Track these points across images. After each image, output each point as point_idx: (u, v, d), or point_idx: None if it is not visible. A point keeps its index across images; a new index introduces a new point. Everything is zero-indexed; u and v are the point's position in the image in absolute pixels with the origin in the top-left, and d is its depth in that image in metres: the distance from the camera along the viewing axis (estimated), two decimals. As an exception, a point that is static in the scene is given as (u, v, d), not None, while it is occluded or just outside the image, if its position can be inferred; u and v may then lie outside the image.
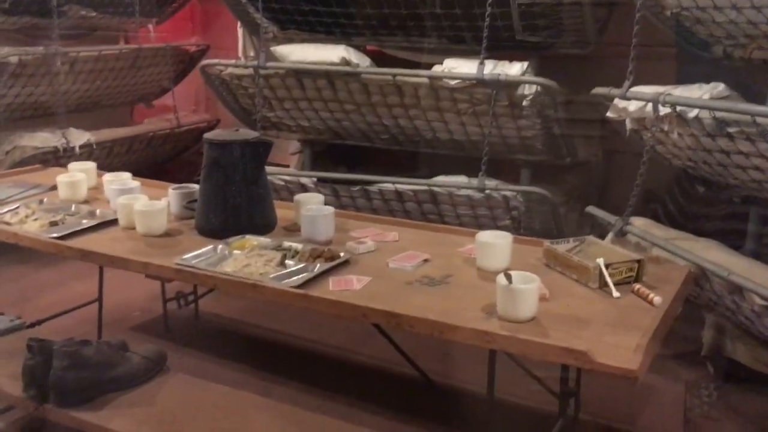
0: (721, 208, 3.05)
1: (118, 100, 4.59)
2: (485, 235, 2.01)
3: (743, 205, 2.79)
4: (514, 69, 3.04)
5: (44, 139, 3.85)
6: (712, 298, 2.45)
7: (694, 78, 2.54)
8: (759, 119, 2.10)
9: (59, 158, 3.70)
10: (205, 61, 3.73)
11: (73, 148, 3.82)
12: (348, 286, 1.87)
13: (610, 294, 1.81)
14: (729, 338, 2.74)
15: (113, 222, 2.35)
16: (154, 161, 4.66)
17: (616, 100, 2.68)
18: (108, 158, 4.09)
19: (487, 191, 3.19)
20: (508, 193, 3.18)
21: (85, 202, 2.59)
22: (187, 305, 3.22)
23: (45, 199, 2.60)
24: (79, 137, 3.90)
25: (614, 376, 1.48)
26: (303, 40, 3.71)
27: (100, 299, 2.99)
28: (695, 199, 3.08)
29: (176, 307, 3.20)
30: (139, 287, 3.33)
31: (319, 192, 3.30)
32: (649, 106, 2.50)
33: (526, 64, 3.05)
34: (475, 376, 2.22)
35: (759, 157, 2.23)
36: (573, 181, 3.60)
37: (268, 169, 2.36)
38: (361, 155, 4.02)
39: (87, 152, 3.90)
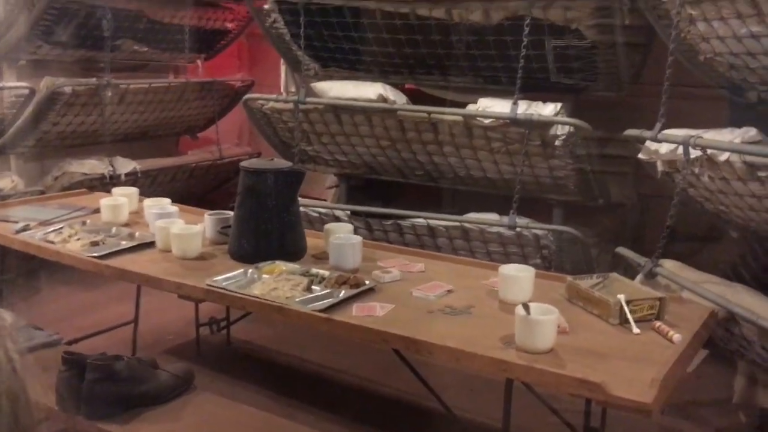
0: (755, 255, 3.02)
1: (165, 131, 4.77)
2: (508, 268, 2.04)
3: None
4: (547, 109, 3.08)
5: (92, 166, 4.01)
6: (742, 344, 2.42)
7: (734, 122, 2.56)
8: (789, 163, 2.11)
9: (105, 185, 3.85)
10: (248, 95, 3.86)
11: (119, 176, 3.97)
12: (371, 312, 1.91)
13: (630, 330, 1.81)
14: (762, 387, 2.69)
15: (151, 244, 2.44)
16: (196, 191, 4.80)
17: (648, 142, 2.70)
18: (152, 186, 4.23)
19: (518, 229, 3.21)
20: (539, 232, 3.20)
21: (126, 225, 2.69)
22: (220, 330, 3.29)
23: (88, 221, 2.72)
24: (125, 165, 4.05)
25: (629, 408, 1.49)
26: (342, 78, 3.83)
27: (135, 321, 3.08)
28: (729, 244, 3.06)
29: (209, 333, 3.27)
30: (173, 312, 3.42)
31: (353, 225, 3.37)
32: (680, 148, 2.52)
33: (559, 105, 3.10)
34: (496, 410, 2.23)
35: (790, 202, 2.22)
36: (606, 222, 3.60)
37: (304, 201, 2.43)
38: (395, 191, 4.09)
39: (132, 180, 4.05)
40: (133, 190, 2.95)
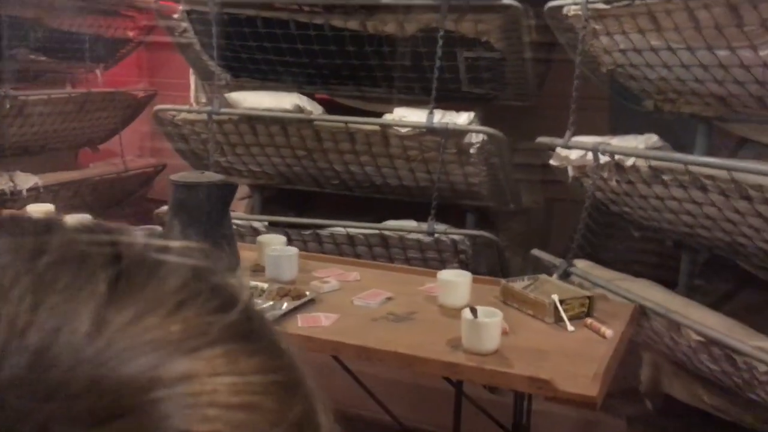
0: (655, 251, 3.26)
1: (65, 143, 4.56)
2: (447, 274, 2.12)
3: (675, 248, 2.99)
4: (461, 118, 3.19)
5: (-10, 182, 3.78)
6: (651, 336, 2.61)
7: (627, 129, 2.76)
8: (691, 168, 2.30)
9: (5, 201, 3.64)
10: (158, 106, 3.77)
11: (20, 192, 3.77)
12: (317, 323, 1.93)
13: (565, 328, 1.93)
14: (666, 375, 2.90)
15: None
16: (100, 205, 4.61)
17: (558, 149, 2.86)
18: (54, 202, 4.02)
19: (436, 235, 3.30)
20: (456, 237, 3.30)
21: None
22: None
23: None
24: (26, 180, 3.85)
25: (575, 403, 1.59)
26: (255, 88, 3.80)
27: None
28: (632, 243, 3.28)
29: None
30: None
31: (272, 236, 3.35)
32: (590, 154, 2.68)
33: (472, 114, 3.22)
34: (429, 415, 2.30)
35: (691, 203, 2.42)
36: (516, 226, 3.76)
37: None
38: (310, 200, 4.10)
39: (34, 196, 3.85)
40: (49, 207, 2.83)
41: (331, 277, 2.29)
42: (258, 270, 2.35)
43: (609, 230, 3.41)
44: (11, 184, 3.74)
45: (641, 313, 2.41)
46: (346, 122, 3.34)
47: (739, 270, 2.82)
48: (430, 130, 3.17)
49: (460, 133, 3.16)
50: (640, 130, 2.70)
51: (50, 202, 3.96)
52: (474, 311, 1.76)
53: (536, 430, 2.36)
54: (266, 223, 3.66)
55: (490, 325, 1.74)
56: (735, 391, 2.41)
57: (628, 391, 3.08)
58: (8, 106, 3.68)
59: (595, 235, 3.37)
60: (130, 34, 4.64)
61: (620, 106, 3.17)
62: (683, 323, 2.32)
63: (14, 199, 3.69)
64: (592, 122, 2.95)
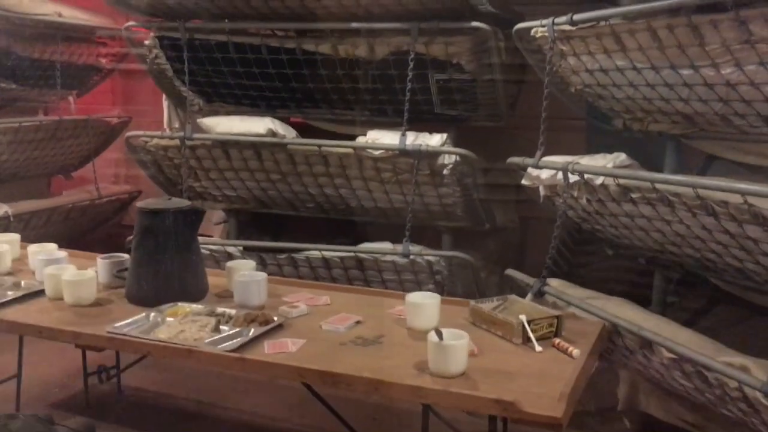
0: (628, 269, 3.26)
1: (37, 171, 4.52)
2: (414, 296, 2.10)
3: (648, 266, 3.00)
4: (434, 140, 3.20)
5: (-41, 211, 3.74)
6: (625, 354, 2.60)
7: (602, 148, 2.77)
8: (658, 185, 2.31)
9: (-25, 230, 3.60)
10: (130, 133, 3.75)
11: (-11, 220, 3.73)
12: (283, 349, 1.91)
13: (533, 348, 1.92)
14: (643, 393, 2.89)
15: (40, 293, 2.32)
16: (73, 233, 4.56)
17: (530, 169, 2.87)
18: (25, 230, 3.99)
19: (412, 257, 3.29)
20: (431, 258, 3.30)
21: (9, 273, 2.54)
22: (109, 379, 3.14)
23: (-34, 271, 2.55)
24: (-4, 209, 3.81)
25: (541, 424, 1.57)
26: (228, 113, 3.80)
27: (18, 375, 2.89)
28: (605, 261, 3.28)
29: (97, 382, 3.11)
30: (58, 363, 3.24)
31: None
32: (560, 174, 2.69)
33: (445, 135, 3.22)
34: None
35: (660, 221, 2.43)
36: (492, 246, 3.76)
37: (197, 238, 2.39)
38: (286, 224, 4.08)
39: (4, 224, 3.81)
40: (15, 236, 2.79)
41: (300, 301, 2.27)
42: (226, 296, 2.33)
43: (586, 248, 3.43)
44: (-20, 213, 3.70)
45: (614, 331, 2.40)
46: (319, 145, 3.33)
47: (713, 286, 2.82)
48: (403, 152, 3.18)
49: (433, 154, 3.16)
50: (615, 150, 2.71)
51: (21, 231, 3.92)
52: (440, 334, 1.75)
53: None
54: (241, 248, 3.64)
55: (455, 347, 1.73)
56: (710, 408, 2.40)
57: (606, 410, 3.07)
58: (-23, 134, 3.65)
59: (573, 253, 3.38)
60: (103, 61, 4.62)
61: (596, 126, 3.19)
62: (655, 341, 2.32)
63: (-17, 228, 3.65)
64: (568, 142, 2.97)
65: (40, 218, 4.18)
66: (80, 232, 4.68)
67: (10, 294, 2.28)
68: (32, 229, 4.08)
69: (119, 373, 3.16)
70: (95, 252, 2.66)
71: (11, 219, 3.89)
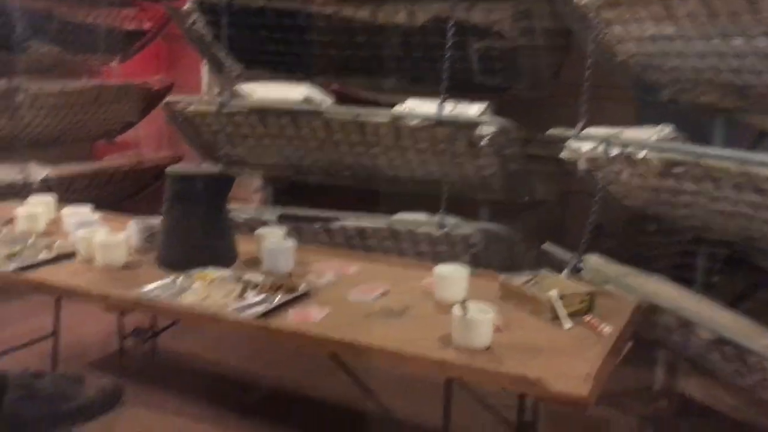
0: (671, 247, 3.16)
1: (80, 135, 4.58)
2: (443, 268, 2.06)
3: (692, 244, 2.90)
4: (472, 110, 3.13)
5: (3, 173, 3.81)
6: (663, 334, 2.53)
7: (651, 121, 2.66)
8: (702, 161, 2.21)
9: (17, 192, 3.67)
10: (168, 98, 3.76)
11: (32, 183, 3.80)
12: (308, 318, 1.89)
13: (562, 325, 1.86)
14: (681, 374, 2.82)
15: (72, 255, 2.34)
16: (115, 198, 4.64)
17: (570, 141, 2.78)
18: (67, 193, 4.06)
19: (447, 229, 3.24)
20: (467, 231, 3.24)
21: (44, 234, 2.57)
22: (145, 342, 3.19)
23: (3, 231, 2.58)
24: (38, 172, 3.88)
25: (566, 402, 1.52)
26: (267, 79, 3.77)
27: (56, 334, 2.95)
28: (647, 238, 3.19)
29: (133, 344, 3.17)
30: (95, 323, 3.29)
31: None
32: (601, 147, 2.60)
33: (484, 105, 3.15)
34: (435, 410, 2.25)
35: (704, 197, 2.33)
36: (530, 219, 3.68)
37: (230, 205, 2.39)
38: (323, 193, 4.06)
39: (46, 187, 3.88)
40: (50, 198, 2.83)
41: (328, 270, 2.25)
42: (255, 263, 2.32)
43: (629, 226, 3.33)
44: (23, 175, 3.77)
45: (651, 310, 2.33)
46: (355, 114, 3.29)
47: (758, 268, 2.72)
48: (440, 122, 3.11)
49: (471, 124, 3.09)
50: (666, 123, 2.60)
51: (62, 194, 4.00)
52: (464, 307, 1.71)
53: (543, 427, 2.29)
54: (276, 216, 3.63)
55: (480, 321, 1.69)
56: (750, 392, 2.32)
57: (642, 390, 3.01)
58: (21, 97, 3.71)
59: (615, 229, 3.28)
60: (146, 26, 4.64)
61: (645, 99, 3.07)
62: (694, 321, 2.24)
63: (26, 190, 3.71)
64: (616, 114, 2.86)
65: (82, 182, 4.24)
66: (122, 197, 4.75)
67: (43, 255, 2.32)
68: (73, 193, 4.15)
69: (154, 335, 3.20)
70: (141, 216, 2.67)
71: (54, 182, 3.96)
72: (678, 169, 2.32)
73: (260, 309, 1.91)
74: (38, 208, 2.65)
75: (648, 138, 2.48)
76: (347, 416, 2.73)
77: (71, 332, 3.16)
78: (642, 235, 3.19)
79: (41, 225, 2.61)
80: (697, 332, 2.25)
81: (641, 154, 2.45)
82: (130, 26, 4.59)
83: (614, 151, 2.55)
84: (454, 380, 1.89)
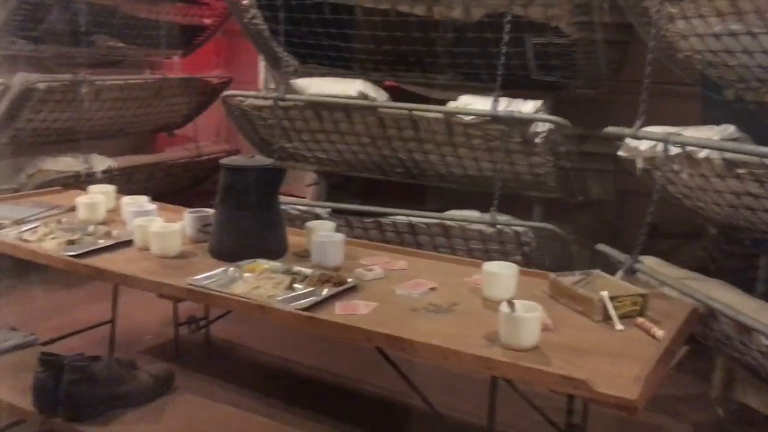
0: (732, 251, 3.05)
1: (141, 128, 4.71)
2: (491, 265, 2.04)
3: (754, 248, 2.79)
4: (527, 107, 3.08)
5: (67, 163, 3.95)
6: (720, 339, 2.44)
7: (715, 120, 2.57)
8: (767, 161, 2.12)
9: (80, 183, 3.79)
10: (226, 92, 3.82)
11: (94, 173, 3.92)
12: (354, 311, 1.90)
13: (613, 327, 1.82)
14: (739, 381, 2.72)
15: (129, 243, 2.40)
16: (174, 189, 4.75)
17: (628, 139, 2.71)
18: (128, 184, 4.18)
19: (499, 226, 3.21)
20: (519, 229, 3.20)
21: (103, 223, 2.65)
22: (199, 330, 3.26)
23: (64, 219, 2.67)
24: (101, 162, 4.00)
25: (614, 405, 1.49)
26: (322, 74, 3.80)
27: (113, 320, 3.04)
28: (707, 241, 3.09)
29: (188, 332, 3.24)
30: (151, 311, 3.38)
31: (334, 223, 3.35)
32: (660, 145, 2.53)
33: (540, 102, 3.10)
34: (480, 408, 2.23)
35: (768, 199, 2.24)
36: (585, 219, 3.61)
37: (284, 198, 2.41)
38: (376, 188, 4.07)
39: (108, 178, 3.99)
40: (110, 188, 2.91)
41: (377, 265, 2.25)
42: (305, 256, 2.34)
43: (686, 227, 3.24)
44: (86, 165, 3.89)
45: (709, 314, 2.25)
46: (409, 110, 3.28)
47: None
48: (495, 119, 3.08)
49: (525, 121, 3.05)
50: (729, 121, 2.52)
51: (124, 184, 4.11)
52: (512, 305, 1.68)
53: (592, 430, 2.25)
54: (329, 210, 3.66)
55: (527, 319, 1.66)
56: (811, 403, 2.23)
57: (698, 396, 2.92)
58: (85, 90, 3.82)
59: (673, 231, 3.19)
60: (206, 21, 4.73)
61: (710, 97, 2.98)
62: (753, 326, 2.16)
63: (89, 180, 3.83)
64: (679, 113, 2.78)
65: (143, 173, 4.36)
66: (180, 188, 4.87)
67: (101, 242, 2.38)
68: (134, 183, 4.27)
69: (208, 324, 3.26)
70: (196, 208, 2.73)
71: (115, 172, 4.08)
72: (741, 170, 2.24)
73: (308, 301, 1.92)
74: (98, 197, 2.73)
75: (710, 137, 2.40)
76: (392, 410, 2.73)
77: (128, 319, 3.26)
78: (702, 238, 3.09)
79: (101, 214, 2.68)
80: (757, 339, 2.17)
81: (702, 153, 2.37)
82: (192, 22, 4.69)
83: (674, 150, 2.47)
84: (500, 378, 1.87)
